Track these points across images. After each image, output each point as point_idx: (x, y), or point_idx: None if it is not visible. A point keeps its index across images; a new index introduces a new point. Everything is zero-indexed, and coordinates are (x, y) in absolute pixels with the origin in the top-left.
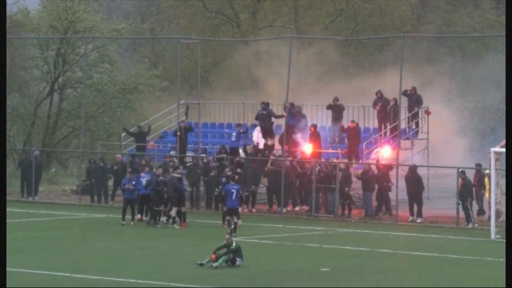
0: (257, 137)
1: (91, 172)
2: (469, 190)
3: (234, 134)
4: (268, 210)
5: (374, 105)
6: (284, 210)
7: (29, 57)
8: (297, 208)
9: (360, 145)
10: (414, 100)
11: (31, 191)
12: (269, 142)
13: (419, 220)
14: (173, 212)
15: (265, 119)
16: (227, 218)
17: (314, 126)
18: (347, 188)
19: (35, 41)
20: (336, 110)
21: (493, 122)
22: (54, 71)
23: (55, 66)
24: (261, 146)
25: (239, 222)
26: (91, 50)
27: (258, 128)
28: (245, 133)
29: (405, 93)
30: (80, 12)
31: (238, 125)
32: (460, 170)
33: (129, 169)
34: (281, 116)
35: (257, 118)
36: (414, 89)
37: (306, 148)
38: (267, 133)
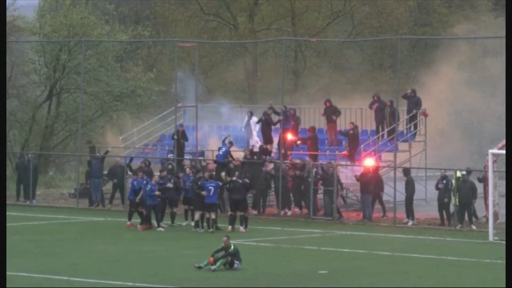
0: (256, 140)
1: (89, 175)
2: (473, 191)
3: (223, 149)
4: (265, 213)
5: (371, 106)
6: (282, 212)
7: (28, 61)
8: (296, 210)
9: (357, 148)
10: (414, 102)
11: (28, 195)
12: (269, 147)
13: (410, 223)
14: (196, 216)
15: (264, 128)
16: (206, 216)
17: (313, 128)
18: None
19: (35, 45)
20: (329, 112)
21: (490, 124)
22: (54, 75)
23: (55, 70)
24: (256, 149)
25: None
26: (89, 56)
27: (257, 127)
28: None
29: (404, 96)
30: (90, 19)
31: (230, 142)
32: (463, 172)
33: (160, 173)
34: (279, 121)
35: (259, 121)
36: (413, 91)
37: (288, 136)
38: (267, 141)
